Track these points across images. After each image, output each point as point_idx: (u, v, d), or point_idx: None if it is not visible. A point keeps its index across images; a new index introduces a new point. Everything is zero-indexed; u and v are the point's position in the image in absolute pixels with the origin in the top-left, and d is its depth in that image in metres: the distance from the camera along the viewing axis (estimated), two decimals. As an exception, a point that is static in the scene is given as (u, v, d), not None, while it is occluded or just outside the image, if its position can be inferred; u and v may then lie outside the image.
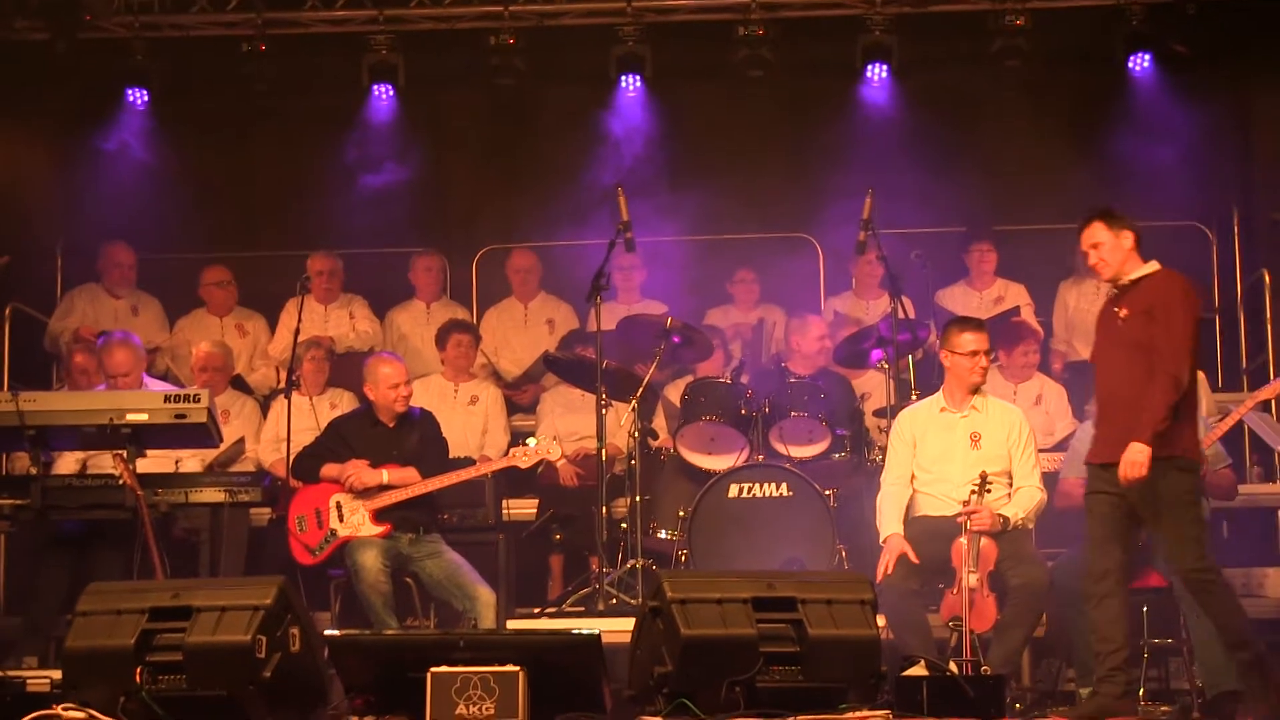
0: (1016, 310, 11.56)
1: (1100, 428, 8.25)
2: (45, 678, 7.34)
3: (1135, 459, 7.86)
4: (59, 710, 6.84)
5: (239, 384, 11.64)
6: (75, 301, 12.18)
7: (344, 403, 11.10)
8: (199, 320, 12.26)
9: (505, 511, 10.30)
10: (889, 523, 8.99)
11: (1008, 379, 10.98)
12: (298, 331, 10.61)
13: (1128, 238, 8.19)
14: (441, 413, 10.34)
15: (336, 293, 12.17)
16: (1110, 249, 8.20)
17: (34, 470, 9.16)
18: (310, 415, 10.71)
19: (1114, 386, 8.18)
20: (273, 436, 10.96)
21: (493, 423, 11.34)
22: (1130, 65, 12.22)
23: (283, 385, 10.78)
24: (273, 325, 12.19)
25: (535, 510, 10.76)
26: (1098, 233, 8.23)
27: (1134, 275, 8.21)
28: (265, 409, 11.40)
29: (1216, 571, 7.99)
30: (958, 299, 11.74)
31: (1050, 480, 9.46)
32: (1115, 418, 8.09)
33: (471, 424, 11.27)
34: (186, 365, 11.64)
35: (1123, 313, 8.18)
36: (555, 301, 12.30)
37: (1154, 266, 8.19)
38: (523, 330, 12.24)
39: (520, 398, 11.94)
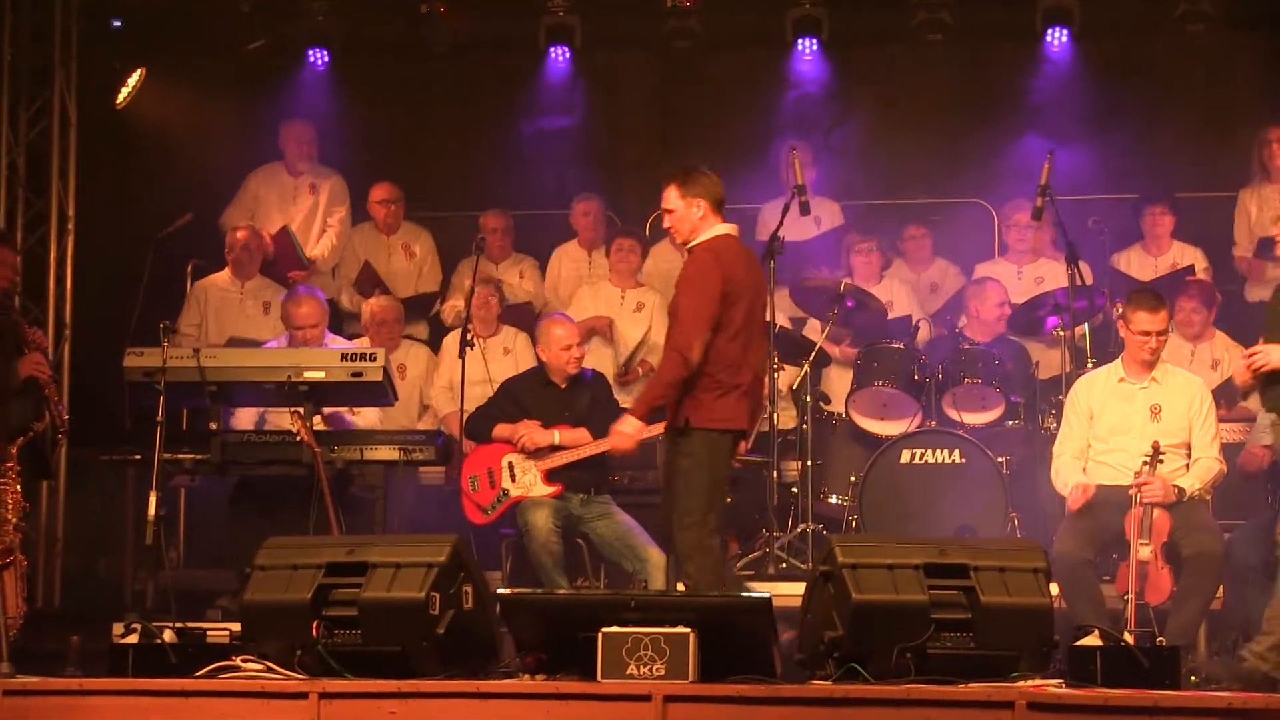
0: (1191, 269, 11.35)
1: None
2: (225, 629, 7.46)
3: (623, 430, 8.15)
4: (238, 661, 6.96)
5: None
6: (249, 184, 12.17)
7: (517, 345, 11.21)
8: (367, 235, 12.27)
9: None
10: (1073, 476, 8.88)
11: (1183, 338, 10.76)
12: (472, 291, 10.67)
13: (699, 205, 8.13)
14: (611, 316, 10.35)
15: (509, 250, 12.15)
16: (679, 217, 8.18)
17: (214, 425, 9.32)
18: (480, 362, 10.73)
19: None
20: (445, 384, 11.07)
21: (657, 332, 11.29)
22: (1322, 32, 11.96)
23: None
24: (443, 258, 12.28)
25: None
26: (669, 198, 8.20)
27: (694, 243, 8.17)
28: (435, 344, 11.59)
29: (704, 532, 8.03)
30: (1133, 263, 11.55)
31: (1232, 450, 9.32)
32: None
33: (638, 329, 11.34)
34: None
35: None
36: None
37: (714, 233, 8.15)
38: None
39: None
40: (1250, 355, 8.02)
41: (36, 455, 9.00)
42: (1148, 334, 8.95)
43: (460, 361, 10.32)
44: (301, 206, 12.05)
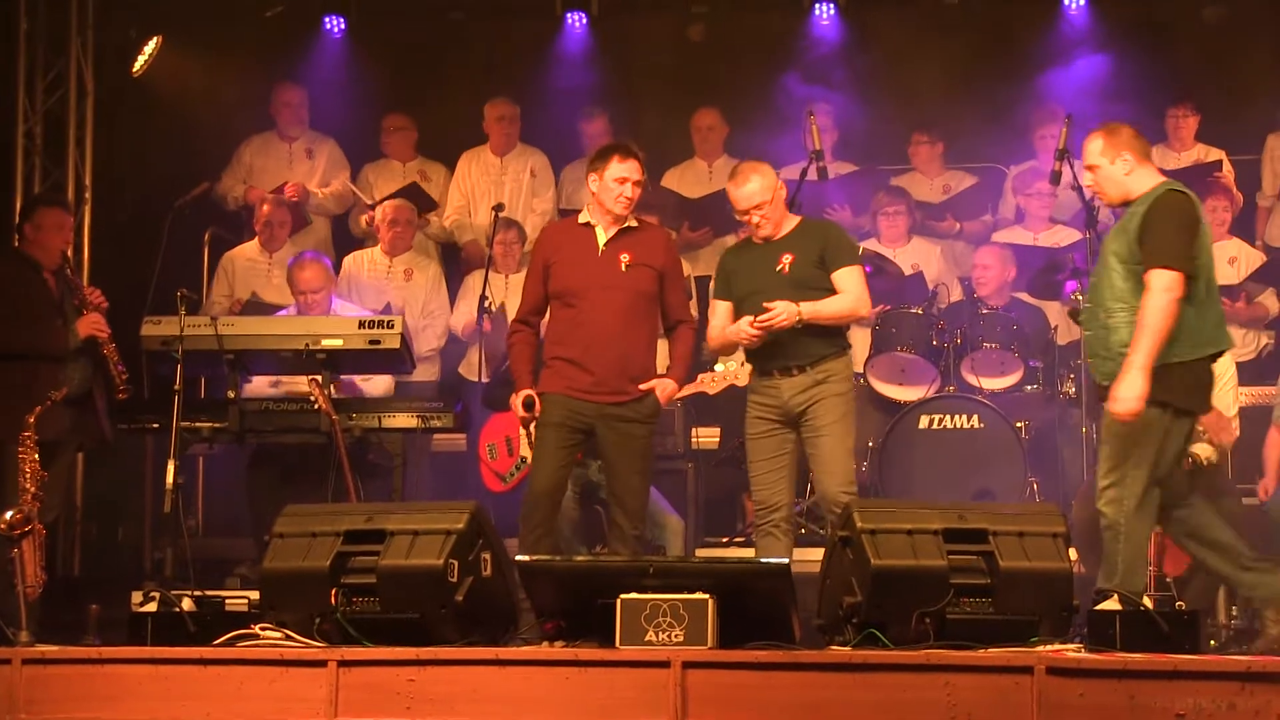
0: (1219, 164, 11.27)
1: (585, 362, 8.28)
2: (244, 598, 7.47)
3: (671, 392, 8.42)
4: (256, 629, 6.97)
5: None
6: (243, 154, 12.16)
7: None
8: (383, 166, 12.27)
9: (694, 440, 10.28)
10: None
11: None
12: (487, 271, 10.68)
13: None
14: None
15: (515, 140, 12.06)
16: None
17: (232, 394, 9.34)
18: (503, 292, 10.76)
19: (607, 324, 8.26)
20: (467, 307, 11.13)
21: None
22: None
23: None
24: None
25: (718, 438, 10.72)
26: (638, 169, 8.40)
27: (631, 222, 8.40)
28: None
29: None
30: (1155, 160, 11.49)
31: (1258, 414, 9.31)
32: (604, 355, 8.24)
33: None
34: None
35: (626, 258, 8.28)
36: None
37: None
38: (708, 185, 11.96)
39: (701, 239, 11.84)
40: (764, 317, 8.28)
41: (91, 422, 9.13)
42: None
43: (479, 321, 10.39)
44: (299, 171, 12.03)
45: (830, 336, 8.35)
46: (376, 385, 10.23)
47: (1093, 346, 7.57)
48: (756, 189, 8.36)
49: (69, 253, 9.51)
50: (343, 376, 9.79)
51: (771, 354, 8.39)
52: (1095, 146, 7.64)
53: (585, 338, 8.25)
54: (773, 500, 8.38)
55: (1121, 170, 7.59)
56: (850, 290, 8.32)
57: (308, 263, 10.29)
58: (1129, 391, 7.19)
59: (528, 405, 8.25)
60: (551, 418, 8.28)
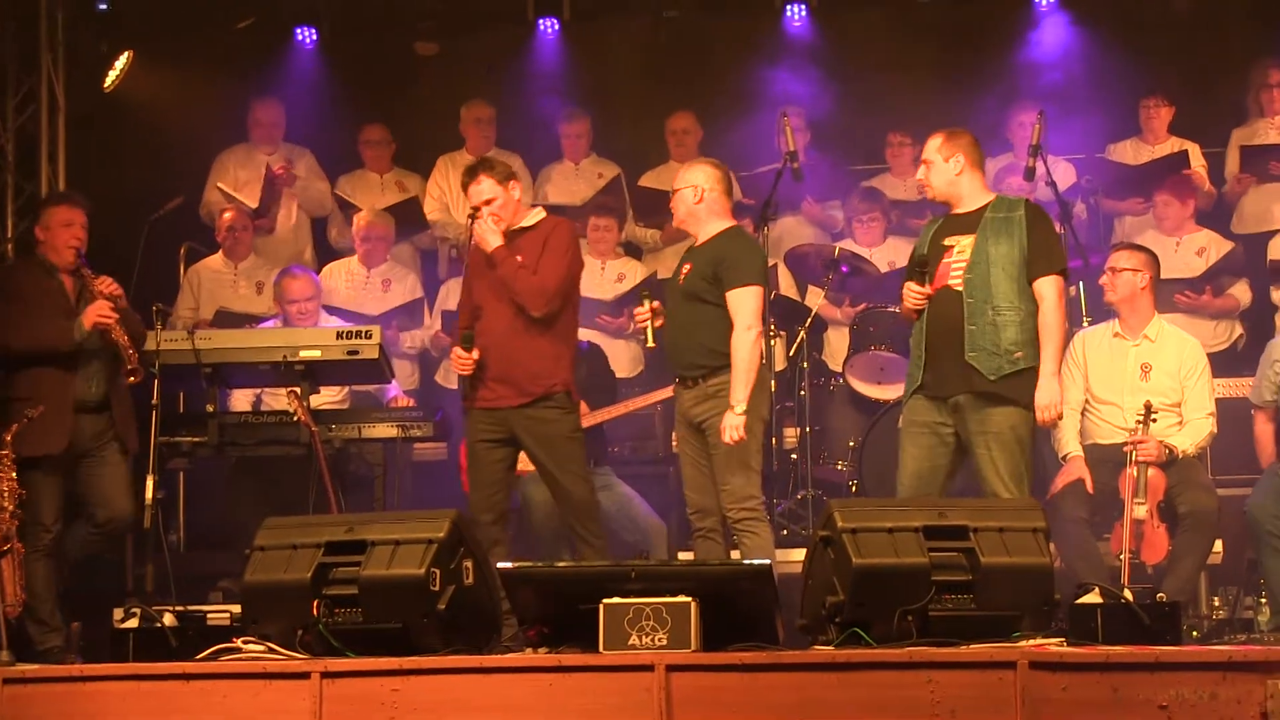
0: (1184, 156, 11.30)
1: (489, 371, 8.41)
2: (226, 612, 7.46)
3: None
4: (239, 643, 6.96)
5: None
6: (226, 162, 12.12)
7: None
8: (360, 178, 12.26)
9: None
10: (1068, 442, 8.90)
11: (1162, 233, 10.86)
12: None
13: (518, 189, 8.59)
14: (590, 287, 10.30)
15: (491, 142, 12.08)
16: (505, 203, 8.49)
17: (210, 407, 9.31)
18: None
19: (500, 331, 8.38)
20: (433, 323, 11.17)
21: None
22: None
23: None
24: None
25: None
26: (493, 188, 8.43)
27: (529, 220, 8.54)
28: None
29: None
30: (1128, 152, 11.55)
31: (1231, 407, 9.31)
32: (501, 362, 8.37)
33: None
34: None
35: (520, 259, 8.35)
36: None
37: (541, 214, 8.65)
38: None
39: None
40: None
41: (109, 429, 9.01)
42: (1112, 270, 9.00)
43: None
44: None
45: (716, 348, 8.32)
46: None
47: (977, 341, 7.98)
48: (682, 180, 8.65)
49: (82, 250, 9.28)
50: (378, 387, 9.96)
51: (672, 362, 8.58)
52: (934, 144, 8.24)
53: (485, 347, 8.39)
54: (705, 504, 8.46)
55: (953, 170, 8.16)
56: (740, 320, 8.27)
57: (298, 274, 10.37)
58: (1053, 397, 7.95)
59: (465, 342, 8.40)
60: (474, 434, 8.48)
